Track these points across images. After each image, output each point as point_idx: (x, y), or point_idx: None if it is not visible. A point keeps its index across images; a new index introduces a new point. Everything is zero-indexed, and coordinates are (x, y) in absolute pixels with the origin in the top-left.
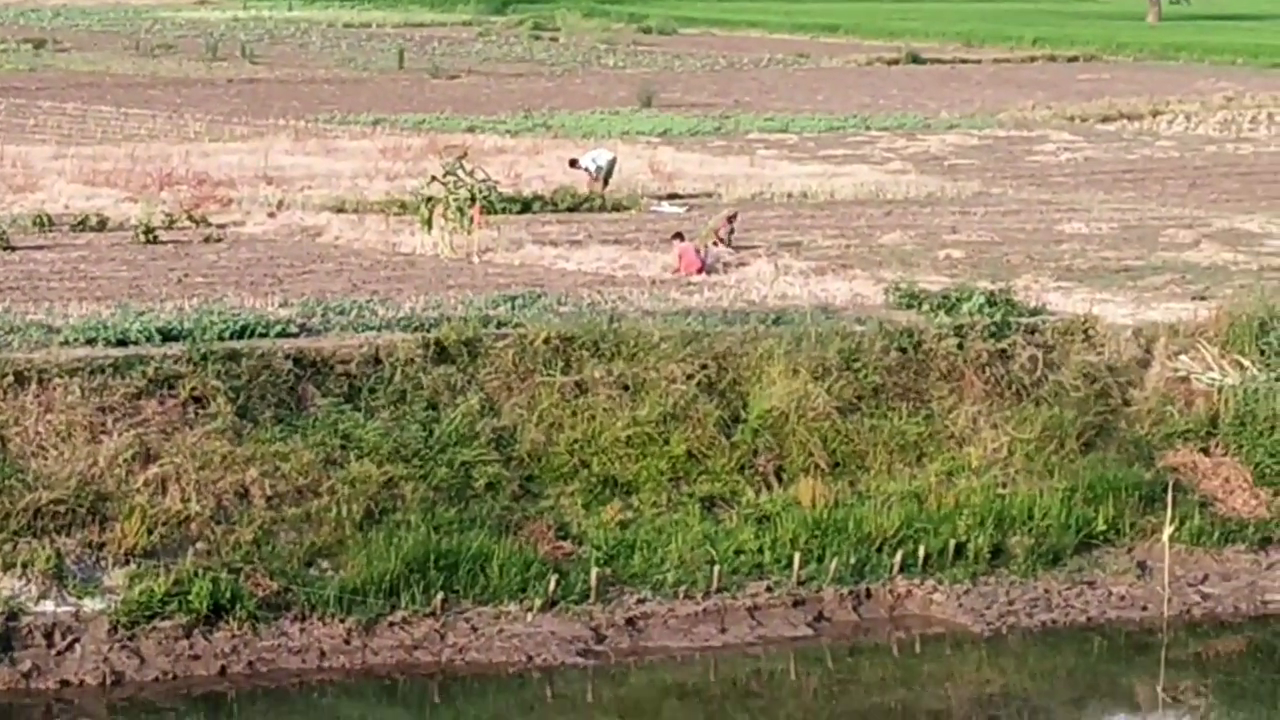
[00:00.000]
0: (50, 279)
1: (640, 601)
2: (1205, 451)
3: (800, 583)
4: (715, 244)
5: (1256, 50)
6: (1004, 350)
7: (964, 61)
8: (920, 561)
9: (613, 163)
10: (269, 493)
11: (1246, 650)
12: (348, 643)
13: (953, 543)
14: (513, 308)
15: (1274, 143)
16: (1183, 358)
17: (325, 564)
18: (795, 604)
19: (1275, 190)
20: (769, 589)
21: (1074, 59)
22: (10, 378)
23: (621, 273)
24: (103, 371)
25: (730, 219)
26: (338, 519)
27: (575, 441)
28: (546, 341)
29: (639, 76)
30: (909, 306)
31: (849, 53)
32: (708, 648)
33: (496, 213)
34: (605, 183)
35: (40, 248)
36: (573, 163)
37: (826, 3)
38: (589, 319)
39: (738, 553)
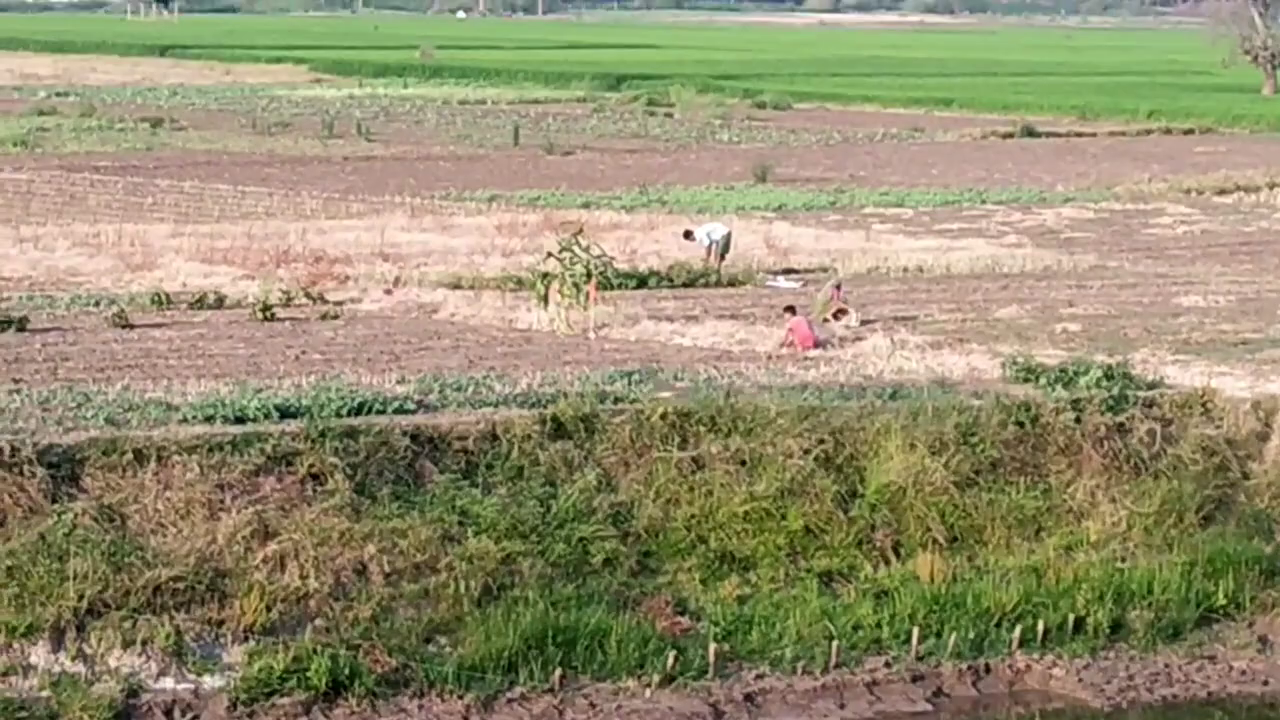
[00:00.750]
0: (169, 356)
1: (759, 677)
2: None
3: (919, 658)
4: (835, 316)
5: None
6: (1122, 424)
7: (1079, 134)
8: (1039, 636)
9: (728, 237)
10: (387, 569)
11: None
12: (466, 719)
13: (1072, 617)
14: (629, 383)
15: None
16: None
17: (443, 640)
18: (914, 679)
19: None
20: (887, 664)
21: (1189, 131)
22: (130, 455)
23: (738, 348)
24: (221, 449)
25: (837, 288)
26: (456, 595)
27: (692, 517)
28: (663, 417)
29: (753, 151)
30: (1026, 380)
31: (963, 126)
32: None
33: (612, 288)
34: (721, 257)
35: (158, 325)
36: (687, 234)
37: (941, 77)
38: (705, 394)
39: (856, 628)
